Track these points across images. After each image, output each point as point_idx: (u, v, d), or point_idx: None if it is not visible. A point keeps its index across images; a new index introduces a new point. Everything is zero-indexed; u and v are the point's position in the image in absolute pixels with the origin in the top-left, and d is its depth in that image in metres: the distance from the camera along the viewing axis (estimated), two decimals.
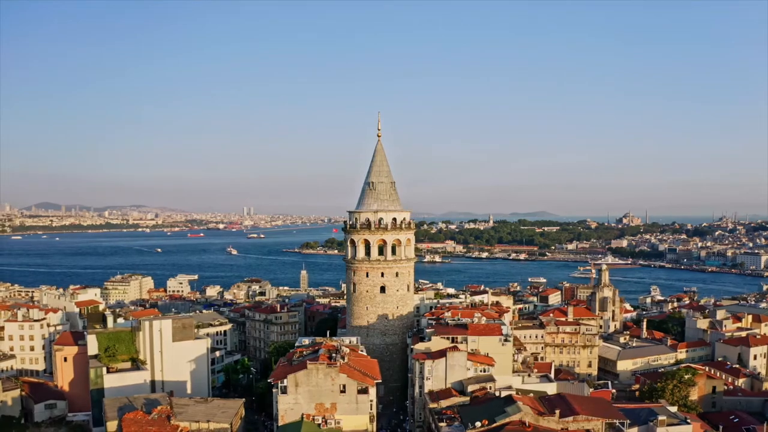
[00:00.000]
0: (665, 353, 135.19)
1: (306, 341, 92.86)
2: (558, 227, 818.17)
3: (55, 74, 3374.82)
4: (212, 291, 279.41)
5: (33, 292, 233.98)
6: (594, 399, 79.53)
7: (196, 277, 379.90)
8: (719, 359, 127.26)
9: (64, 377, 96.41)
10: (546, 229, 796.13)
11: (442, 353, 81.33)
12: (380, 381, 73.65)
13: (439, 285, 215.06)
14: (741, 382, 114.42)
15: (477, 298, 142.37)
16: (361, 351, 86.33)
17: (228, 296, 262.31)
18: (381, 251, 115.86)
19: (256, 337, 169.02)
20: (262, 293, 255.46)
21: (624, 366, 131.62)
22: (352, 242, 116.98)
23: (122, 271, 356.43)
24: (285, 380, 68.60)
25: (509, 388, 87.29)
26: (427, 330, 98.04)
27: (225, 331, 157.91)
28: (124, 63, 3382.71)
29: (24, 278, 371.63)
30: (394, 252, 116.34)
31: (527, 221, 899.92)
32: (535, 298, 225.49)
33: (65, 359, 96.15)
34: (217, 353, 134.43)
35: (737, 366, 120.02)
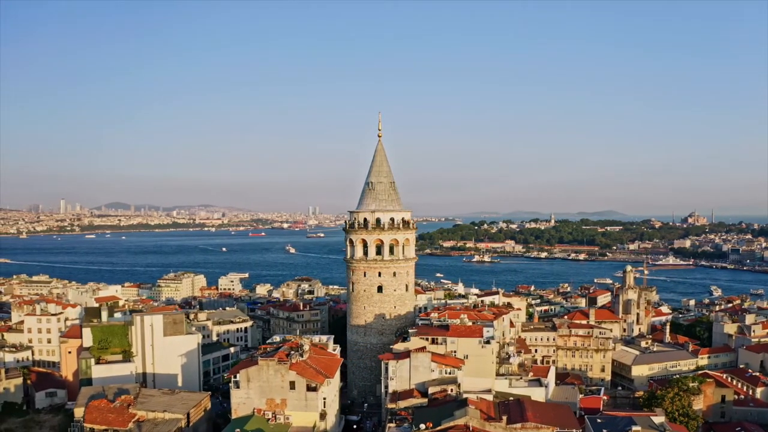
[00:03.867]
0: (685, 359, 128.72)
1: (277, 338, 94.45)
2: (621, 227, 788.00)
3: (123, 74, 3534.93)
4: (262, 289, 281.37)
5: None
6: (555, 406, 77.10)
7: (246, 275, 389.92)
8: (741, 366, 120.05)
9: (68, 368, 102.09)
10: (609, 228, 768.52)
11: (408, 354, 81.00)
12: (332, 378, 73.97)
13: (460, 285, 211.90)
14: (759, 391, 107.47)
15: (488, 299, 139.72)
16: (332, 350, 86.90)
17: (276, 294, 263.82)
18: (379, 251, 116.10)
19: (279, 335, 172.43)
20: (311, 292, 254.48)
21: (639, 371, 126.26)
22: (351, 242, 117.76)
23: (176, 270, 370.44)
24: (238, 375, 70.36)
25: (488, 391, 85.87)
26: (410, 330, 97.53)
27: (246, 328, 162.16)
28: (177, 65, 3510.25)
29: (86, 276, 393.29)
30: (392, 252, 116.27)
31: (589, 221, 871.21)
32: (583, 300, 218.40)
33: (69, 351, 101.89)
34: (232, 349, 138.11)
35: (758, 374, 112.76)
